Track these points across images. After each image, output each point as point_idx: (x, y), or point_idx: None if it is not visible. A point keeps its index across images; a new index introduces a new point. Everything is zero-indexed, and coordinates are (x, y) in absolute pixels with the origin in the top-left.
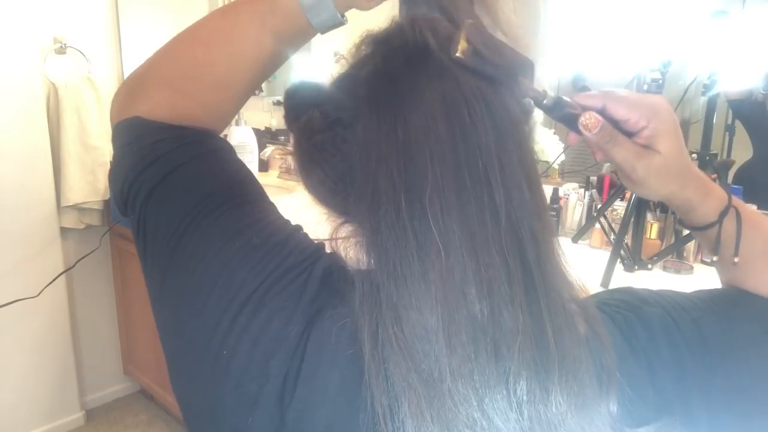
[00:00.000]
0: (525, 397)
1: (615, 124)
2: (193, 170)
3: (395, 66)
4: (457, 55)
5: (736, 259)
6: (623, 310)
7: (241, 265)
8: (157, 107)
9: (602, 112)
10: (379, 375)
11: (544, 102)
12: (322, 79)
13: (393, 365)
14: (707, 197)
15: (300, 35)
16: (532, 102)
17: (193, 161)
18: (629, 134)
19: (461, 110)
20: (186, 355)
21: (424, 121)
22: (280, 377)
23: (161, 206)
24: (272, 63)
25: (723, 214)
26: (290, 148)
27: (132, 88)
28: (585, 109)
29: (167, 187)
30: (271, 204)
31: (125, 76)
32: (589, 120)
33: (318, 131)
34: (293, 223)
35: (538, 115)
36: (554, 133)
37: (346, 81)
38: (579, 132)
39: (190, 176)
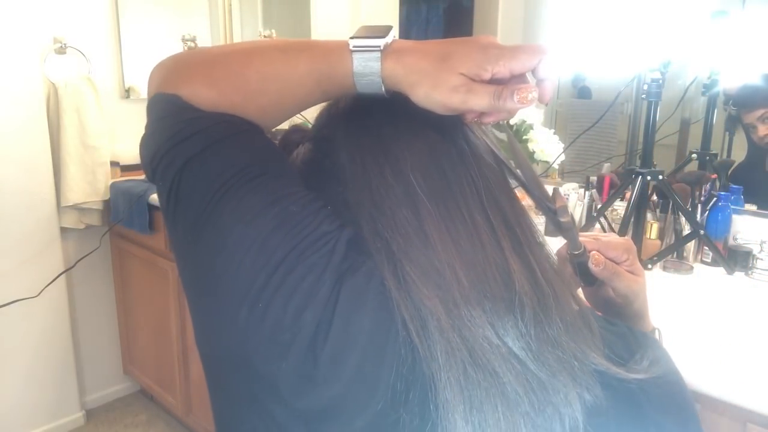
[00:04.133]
0: (532, 321)
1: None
2: (230, 145)
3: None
4: (567, 220)
5: None
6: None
7: (278, 229)
8: (198, 97)
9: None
10: (406, 301)
11: (578, 252)
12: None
13: (415, 293)
14: (648, 310)
15: (340, 93)
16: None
17: (230, 138)
18: None
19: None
20: (218, 309)
21: (395, 121)
22: (312, 326)
23: (198, 175)
24: (313, 104)
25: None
26: None
27: (180, 69)
28: (589, 250)
29: (204, 159)
30: (301, 181)
31: (125, 76)
32: (598, 258)
33: (308, 153)
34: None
35: (536, 115)
36: (554, 133)
37: (325, 108)
38: (591, 270)
39: (228, 150)
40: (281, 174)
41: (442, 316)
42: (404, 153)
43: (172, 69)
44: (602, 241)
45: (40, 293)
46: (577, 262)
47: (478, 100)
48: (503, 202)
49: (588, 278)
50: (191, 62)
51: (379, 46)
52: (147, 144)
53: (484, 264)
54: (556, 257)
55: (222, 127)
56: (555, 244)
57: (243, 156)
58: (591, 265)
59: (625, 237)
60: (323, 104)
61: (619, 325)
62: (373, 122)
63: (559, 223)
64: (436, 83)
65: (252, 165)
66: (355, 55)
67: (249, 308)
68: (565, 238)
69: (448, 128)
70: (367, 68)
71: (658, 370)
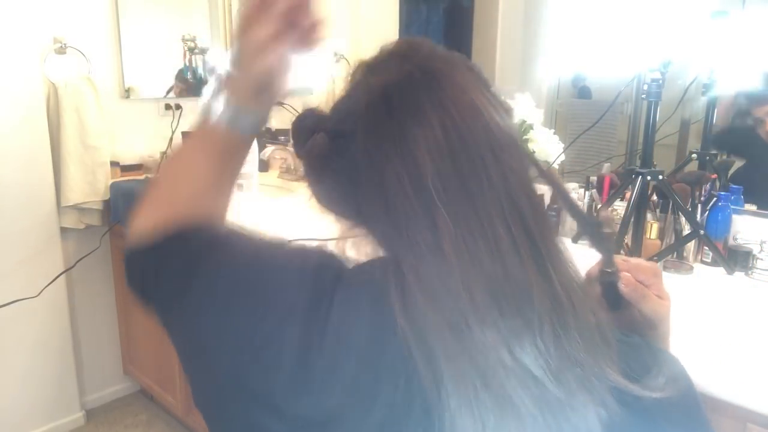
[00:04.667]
0: (552, 338)
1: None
2: (180, 260)
3: (387, 85)
4: (611, 231)
5: None
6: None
7: (244, 308)
8: (147, 226)
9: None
10: (413, 329)
11: (611, 271)
12: (325, 107)
13: (422, 319)
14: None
15: (242, 144)
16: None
17: (179, 253)
18: None
19: (450, 110)
20: (212, 355)
21: (417, 120)
22: (297, 342)
23: (164, 299)
24: (234, 169)
25: None
26: (290, 149)
27: (132, 217)
28: (621, 270)
29: (159, 282)
30: (266, 245)
31: (125, 76)
32: (629, 279)
33: (323, 147)
34: (295, 223)
35: (536, 115)
36: (554, 133)
37: (343, 101)
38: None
39: (178, 266)
40: (229, 261)
41: (449, 343)
42: (424, 157)
43: (131, 218)
44: (632, 263)
45: (40, 293)
46: (607, 282)
47: (261, 30)
48: (524, 207)
49: (614, 300)
50: (137, 208)
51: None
52: (131, 280)
53: (503, 280)
54: (579, 270)
55: (169, 247)
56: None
57: (192, 261)
58: (621, 286)
59: (652, 261)
60: (338, 97)
61: (635, 337)
62: (393, 123)
63: (600, 236)
64: (248, 60)
65: (200, 267)
66: (207, 106)
67: (241, 345)
68: (601, 252)
69: (471, 130)
70: (221, 103)
71: (674, 387)
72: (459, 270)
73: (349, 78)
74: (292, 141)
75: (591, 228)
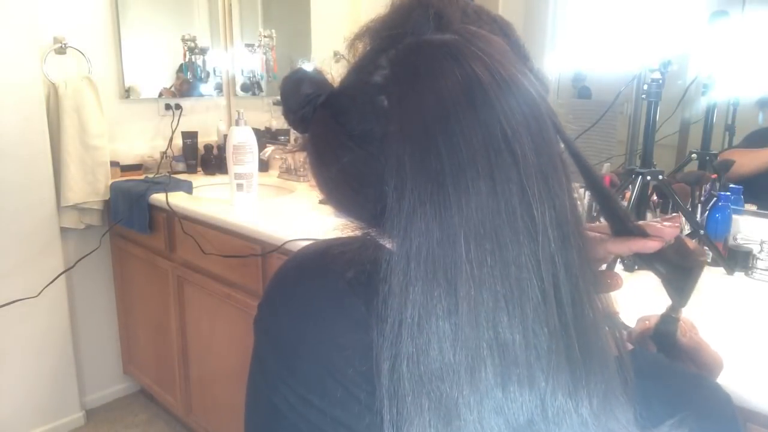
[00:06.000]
0: (563, 409)
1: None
2: None
3: (413, 72)
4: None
5: None
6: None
7: None
8: None
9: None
10: (392, 408)
11: (676, 316)
12: (317, 71)
13: (402, 400)
14: None
15: None
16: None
17: None
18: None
19: (499, 144)
20: None
21: (461, 151)
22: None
23: None
24: None
25: None
26: (293, 147)
27: None
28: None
29: None
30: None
31: (125, 76)
32: (685, 328)
33: (346, 147)
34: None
35: None
36: None
37: (360, 88)
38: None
39: None
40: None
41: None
42: (461, 203)
43: None
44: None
45: (40, 293)
46: (667, 331)
47: None
48: (563, 260)
49: (667, 351)
50: None
51: None
52: None
53: (518, 348)
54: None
55: None
56: None
57: None
58: (680, 336)
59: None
60: (353, 71)
61: (674, 370)
62: (435, 151)
63: (689, 274)
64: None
65: None
66: None
67: None
68: (680, 295)
69: (522, 157)
70: None
71: None
72: (464, 343)
73: (354, 44)
74: (284, 110)
75: (684, 266)
